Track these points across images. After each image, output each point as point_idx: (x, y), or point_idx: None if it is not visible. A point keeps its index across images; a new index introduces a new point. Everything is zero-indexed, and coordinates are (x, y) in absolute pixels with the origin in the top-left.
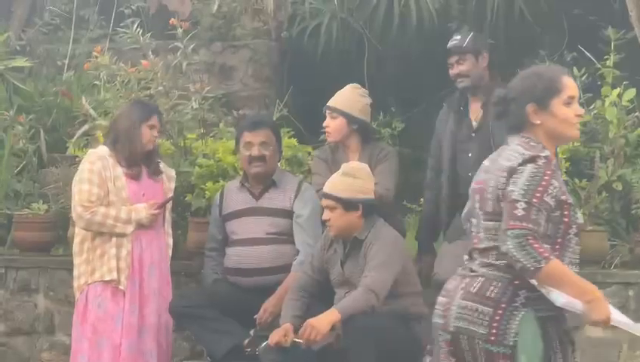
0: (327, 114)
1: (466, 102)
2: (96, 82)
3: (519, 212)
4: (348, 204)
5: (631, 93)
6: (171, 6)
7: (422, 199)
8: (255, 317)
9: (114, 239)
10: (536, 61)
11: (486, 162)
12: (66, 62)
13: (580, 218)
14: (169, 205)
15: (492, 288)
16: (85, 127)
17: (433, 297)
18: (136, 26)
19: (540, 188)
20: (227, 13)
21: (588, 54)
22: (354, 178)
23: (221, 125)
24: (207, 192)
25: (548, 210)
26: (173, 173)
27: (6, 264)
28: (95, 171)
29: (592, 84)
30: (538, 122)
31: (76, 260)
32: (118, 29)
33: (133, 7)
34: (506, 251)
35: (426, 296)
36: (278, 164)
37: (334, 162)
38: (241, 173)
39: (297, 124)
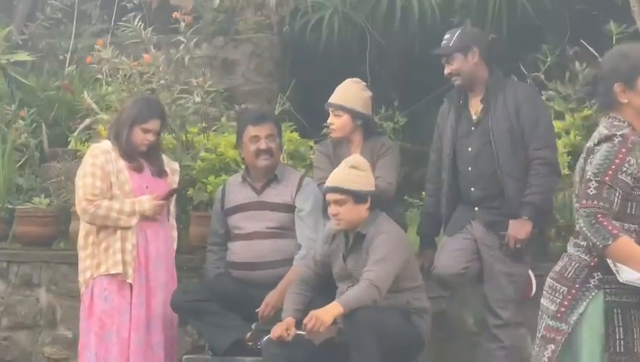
0: (330, 111)
1: (465, 97)
2: (99, 76)
3: (591, 191)
4: (358, 197)
5: None
6: (173, 0)
7: (423, 193)
8: (257, 311)
9: (119, 232)
10: (539, 55)
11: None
12: (68, 56)
13: None
14: (173, 198)
15: (570, 268)
16: (87, 122)
17: (434, 291)
18: (137, 20)
19: (613, 167)
20: (229, 8)
21: (590, 48)
22: (361, 170)
23: (223, 119)
24: (209, 186)
25: (623, 187)
26: (176, 166)
27: (8, 258)
28: (98, 165)
29: (594, 78)
30: (625, 101)
31: (81, 254)
32: (120, 23)
33: (135, 1)
34: (579, 230)
35: (428, 290)
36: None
37: (336, 156)
38: (243, 167)
39: (300, 119)
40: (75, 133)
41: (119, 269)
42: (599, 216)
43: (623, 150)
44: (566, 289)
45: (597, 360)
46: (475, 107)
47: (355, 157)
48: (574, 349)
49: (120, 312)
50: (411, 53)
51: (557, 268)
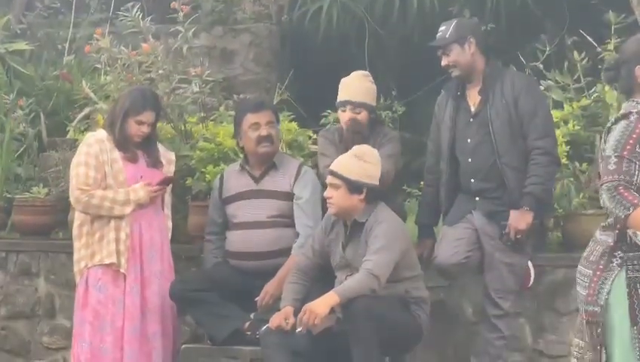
0: (348, 109)
1: (463, 88)
2: (97, 66)
3: (611, 166)
4: (353, 186)
5: None
6: None
7: (422, 183)
8: (256, 300)
9: (112, 222)
10: (538, 45)
11: None
12: (67, 45)
13: None
14: (169, 188)
15: (594, 251)
16: (86, 111)
17: (433, 281)
18: (136, 9)
19: (631, 141)
20: None
21: (589, 38)
22: (363, 161)
23: (221, 109)
24: (207, 176)
25: None
26: (172, 156)
27: (6, 248)
28: (92, 154)
29: (593, 67)
30: None
31: (76, 244)
32: (118, 12)
33: None
34: (603, 205)
35: (426, 279)
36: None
37: (341, 145)
38: (242, 156)
39: (298, 108)
40: (74, 123)
41: (113, 259)
42: (620, 188)
43: None
44: (591, 272)
45: (626, 336)
46: (474, 98)
47: (363, 148)
48: (609, 328)
49: (114, 302)
50: (410, 43)
51: (585, 253)
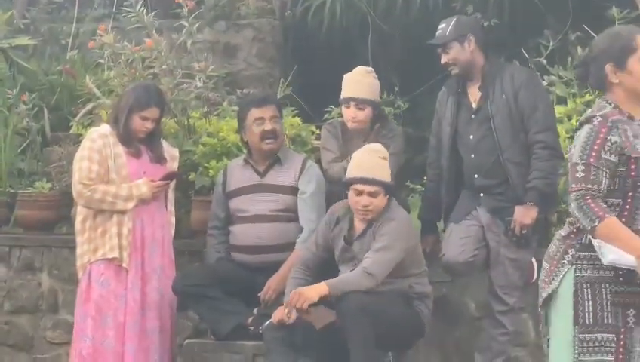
0: (351, 105)
1: (463, 85)
2: (101, 61)
3: (579, 174)
4: (388, 188)
5: None
6: None
7: (425, 178)
8: (259, 295)
9: (115, 217)
10: (541, 40)
11: None
12: (70, 41)
13: None
14: (172, 184)
15: (554, 247)
16: (89, 106)
17: (436, 276)
18: (139, 5)
19: (596, 147)
20: None
21: (592, 33)
22: (385, 160)
23: (225, 104)
24: (210, 171)
25: (610, 166)
26: (176, 152)
27: (10, 243)
28: (95, 149)
29: None
30: (616, 81)
31: (78, 239)
32: (122, 8)
33: None
34: (571, 213)
35: (430, 275)
36: None
37: (345, 139)
38: (245, 151)
39: (301, 103)
40: (77, 118)
41: (116, 253)
42: (587, 197)
43: (603, 130)
44: (548, 265)
45: (569, 333)
46: (474, 95)
47: (377, 146)
48: (549, 323)
49: (116, 297)
50: (413, 39)
51: (549, 249)
